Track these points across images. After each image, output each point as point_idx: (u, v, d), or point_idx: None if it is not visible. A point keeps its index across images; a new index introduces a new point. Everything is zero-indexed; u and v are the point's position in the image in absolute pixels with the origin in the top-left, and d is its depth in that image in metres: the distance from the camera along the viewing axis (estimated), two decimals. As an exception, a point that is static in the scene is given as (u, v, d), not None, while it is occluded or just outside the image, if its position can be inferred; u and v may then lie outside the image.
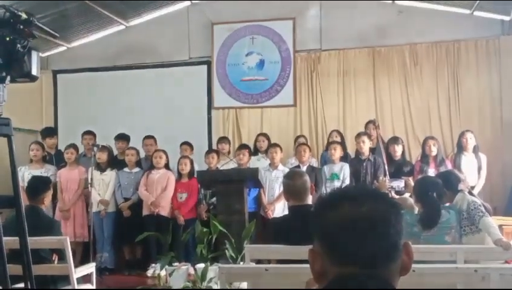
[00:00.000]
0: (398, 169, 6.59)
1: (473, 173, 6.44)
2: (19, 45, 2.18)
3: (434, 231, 3.78)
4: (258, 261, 3.58)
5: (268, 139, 7.66)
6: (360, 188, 1.25)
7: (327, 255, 1.15)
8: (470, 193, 4.26)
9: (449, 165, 6.63)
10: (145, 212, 6.85)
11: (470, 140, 6.64)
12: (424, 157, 6.66)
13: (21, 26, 2.17)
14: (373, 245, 1.11)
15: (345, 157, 6.96)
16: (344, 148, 7.15)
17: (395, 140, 6.90)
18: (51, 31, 2.44)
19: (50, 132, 7.95)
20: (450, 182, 4.28)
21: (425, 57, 8.13)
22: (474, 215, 4.01)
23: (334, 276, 1.13)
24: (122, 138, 7.65)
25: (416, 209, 4.00)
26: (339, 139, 7.30)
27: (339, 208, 1.15)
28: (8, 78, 2.27)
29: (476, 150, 6.67)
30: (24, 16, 2.17)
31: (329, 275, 1.15)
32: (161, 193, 6.86)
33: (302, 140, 7.52)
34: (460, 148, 6.70)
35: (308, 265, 1.22)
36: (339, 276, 1.13)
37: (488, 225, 3.92)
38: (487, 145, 7.38)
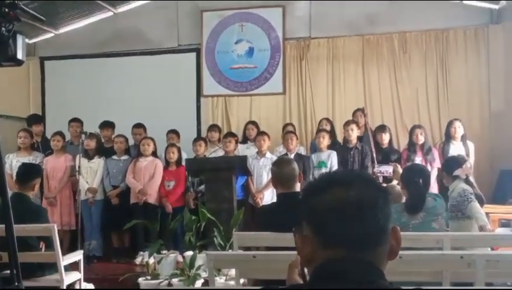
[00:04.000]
0: (385, 157, 6.62)
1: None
2: (3, 29, 2.15)
3: (421, 219, 3.81)
4: (247, 249, 3.58)
5: (257, 127, 7.66)
6: (348, 173, 1.26)
7: (316, 239, 1.16)
8: (467, 181, 4.29)
9: (436, 154, 6.67)
10: (132, 200, 6.82)
11: (459, 129, 6.67)
12: (411, 146, 6.70)
13: (6, 9, 2.13)
14: (361, 228, 1.12)
15: (334, 145, 6.97)
16: (333, 136, 7.17)
17: (382, 128, 6.93)
18: (37, 15, 2.41)
19: (36, 119, 7.88)
20: (448, 166, 4.47)
21: (414, 45, 8.14)
22: (462, 202, 4.09)
23: (322, 259, 1.14)
24: (107, 125, 7.59)
25: (404, 198, 4.04)
26: (328, 127, 7.31)
27: (327, 192, 1.16)
28: (-8, 61, 2.23)
29: (464, 138, 6.71)
30: (8, -1, 2.14)
31: (318, 259, 1.15)
32: (149, 180, 6.84)
33: (289, 128, 7.53)
34: (449, 136, 6.73)
35: (295, 252, 1.22)
36: (327, 259, 1.13)
37: (475, 210, 4.02)
38: (475, 133, 7.44)
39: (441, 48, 8.06)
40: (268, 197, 6.58)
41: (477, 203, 4.08)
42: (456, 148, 6.62)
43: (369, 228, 1.13)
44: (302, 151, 7.31)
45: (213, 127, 7.75)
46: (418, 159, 6.51)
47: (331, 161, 6.65)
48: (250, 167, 6.55)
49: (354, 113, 7.39)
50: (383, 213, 1.15)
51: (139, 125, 7.62)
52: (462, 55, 8.00)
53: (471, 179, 4.33)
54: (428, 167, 6.29)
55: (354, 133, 6.76)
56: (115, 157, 7.16)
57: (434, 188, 6.20)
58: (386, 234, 1.16)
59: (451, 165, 4.42)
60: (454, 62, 8.02)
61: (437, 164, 6.60)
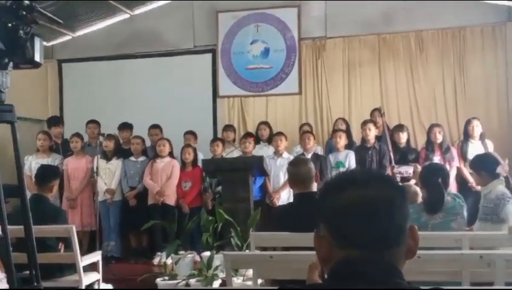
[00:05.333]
0: (403, 157, 6.60)
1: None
2: (21, 31, 2.17)
3: (441, 218, 3.77)
4: (264, 249, 3.58)
5: (269, 127, 7.67)
6: (365, 172, 1.25)
7: (333, 238, 1.16)
8: (507, 183, 4.18)
9: (455, 153, 6.61)
10: (150, 201, 6.87)
11: (477, 127, 6.61)
12: (429, 145, 6.66)
13: (23, 13, 2.15)
14: (378, 228, 1.12)
15: (350, 146, 6.95)
16: (349, 136, 7.14)
17: (399, 127, 6.90)
18: (55, 17, 2.42)
19: (56, 121, 7.96)
20: (487, 163, 4.23)
21: (431, 44, 8.07)
22: (498, 205, 3.95)
23: (339, 259, 1.13)
24: (126, 127, 7.65)
25: (420, 197, 4.00)
26: (344, 127, 7.29)
27: (344, 191, 1.16)
28: (11, 64, 2.26)
29: (482, 137, 6.64)
30: (27, 2, 2.16)
31: (335, 259, 1.15)
32: (166, 181, 6.88)
33: (306, 128, 7.51)
34: (467, 135, 6.68)
35: (313, 252, 1.22)
36: (344, 259, 1.13)
37: (509, 212, 3.88)
38: (493, 132, 7.34)
39: (458, 46, 7.98)
40: (285, 197, 6.58)
41: None
42: (474, 147, 6.56)
43: (387, 228, 1.13)
44: (320, 151, 7.29)
45: (228, 127, 7.78)
46: (437, 158, 6.47)
47: (349, 161, 6.64)
48: (267, 167, 6.55)
49: (371, 113, 7.37)
50: (401, 212, 1.15)
51: (155, 126, 7.66)
52: (480, 53, 7.91)
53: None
54: (447, 166, 6.25)
55: (372, 132, 6.73)
56: (132, 158, 7.21)
57: (453, 187, 6.16)
58: (404, 233, 1.16)
59: (489, 162, 4.23)
60: (471, 60, 7.93)
61: (456, 163, 6.55)
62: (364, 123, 6.82)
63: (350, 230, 1.13)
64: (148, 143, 7.56)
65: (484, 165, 4.23)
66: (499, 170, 4.19)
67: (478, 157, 4.53)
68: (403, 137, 6.77)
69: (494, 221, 4.03)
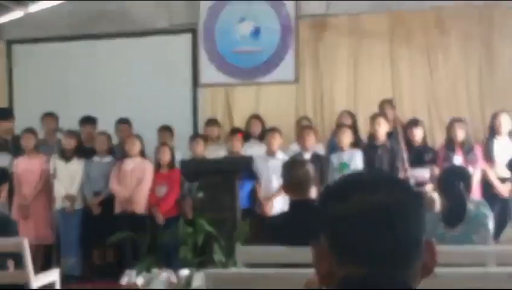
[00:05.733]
0: (417, 157, 6.64)
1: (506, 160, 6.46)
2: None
3: (461, 230, 3.80)
4: (253, 266, 3.59)
5: (262, 122, 7.68)
6: (375, 174, 1.26)
7: (335, 253, 1.16)
8: None
9: (478, 153, 6.66)
10: (118, 209, 6.87)
11: (504, 122, 6.67)
12: (449, 143, 6.71)
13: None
14: (389, 242, 1.13)
15: (356, 144, 6.97)
16: (356, 132, 7.17)
17: (414, 123, 6.94)
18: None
19: (5, 114, 7.92)
20: None
21: (453, 24, 8.09)
22: None
23: (343, 277, 1.14)
24: (88, 121, 7.64)
25: (437, 205, 4.03)
26: (349, 121, 7.31)
27: (349, 198, 1.16)
28: None
29: (511, 134, 6.69)
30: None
31: (337, 276, 1.16)
32: (136, 186, 6.89)
33: (305, 122, 7.54)
34: (493, 131, 6.74)
35: (311, 269, 1.23)
36: (349, 277, 1.14)
37: None
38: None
39: (485, 27, 8.01)
40: (279, 205, 6.57)
41: None
42: (501, 146, 6.62)
43: (399, 241, 1.13)
44: (320, 150, 7.30)
45: (211, 122, 7.80)
46: (458, 159, 6.51)
47: (355, 162, 6.66)
48: (257, 170, 6.56)
49: (380, 105, 7.39)
50: (416, 223, 1.16)
51: (123, 121, 7.67)
52: (510, 35, 7.96)
53: None
54: (470, 169, 6.29)
55: (382, 128, 6.77)
56: (96, 158, 7.20)
57: (476, 193, 6.20)
58: (419, 247, 1.16)
59: None
60: (500, 43, 7.97)
61: (480, 164, 6.59)
62: (374, 117, 6.85)
63: (355, 243, 1.13)
64: (115, 140, 7.55)
65: None
66: None
67: None
68: (418, 134, 6.81)
69: None
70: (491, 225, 3.96)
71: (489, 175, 6.67)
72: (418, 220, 1.16)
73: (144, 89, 8.59)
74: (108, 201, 7.02)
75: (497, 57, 7.97)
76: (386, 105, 7.33)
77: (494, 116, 6.80)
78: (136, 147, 6.97)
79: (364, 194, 1.15)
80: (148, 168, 6.98)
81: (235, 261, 3.92)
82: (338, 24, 8.42)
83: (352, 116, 7.55)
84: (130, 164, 6.95)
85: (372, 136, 6.94)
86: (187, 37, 8.80)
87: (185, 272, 5.05)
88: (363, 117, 7.70)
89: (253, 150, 7.17)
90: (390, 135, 6.99)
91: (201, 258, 5.25)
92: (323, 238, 1.19)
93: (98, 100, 8.49)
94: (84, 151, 7.30)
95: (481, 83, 7.99)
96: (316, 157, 6.60)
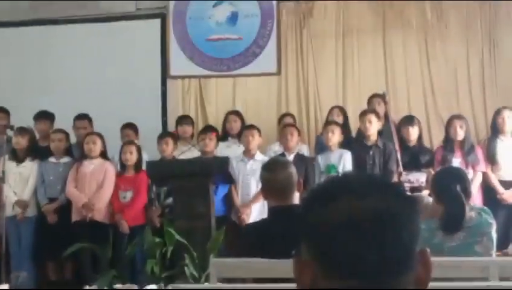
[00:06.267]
0: (413, 159, 6.69)
1: (511, 163, 6.53)
2: None
3: (461, 240, 3.82)
4: (229, 281, 3.59)
5: (241, 119, 7.68)
6: (363, 177, 1.27)
7: (319, 265, 1.17)
8: None
9: (480, 154, 6.72)
10: (75, 217, 6.83)
11: (508, 120, 6.74)
12: (448, 143, 6.76)
13: None
14: (379, 252, 1.13)
15: (348, 144, 7.00)
16: (347, 131, 7.20)
17: (409, 120, 6.98)
18: None
19: None
20: None
21: (452, 11, 8.17)
22: None
23: (327, 293, 1.14)
24: (43, 117, 7.58)
25: (433, 211, 4.05)
26: (341, 119, 7.35)
27: (336, 203, 1.17)
28: None
29: (516, 133, 6.78)
30: None
31: (322, 291, 1.16)
32: (97, 190, 6.85)
33: (288, 120, 7.55)
34: (496, 130, 6.81)
35: (293, 284, 1.22)
36: (334, 293, 1.14)
37: None
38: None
39: (487, 15, 8.10)
40: (258, 212, 6.59)
41: None
42: (505, 146, 6.68)
43: (390, 251, 1.14)
44: (305, 150, 7.33)
45: (184, 119, 7.78)
46: (457, 161, 6.56)
47: (344, 164, 6.69)
48: (234, 173, 6.54)
49: (369, 100, 7.42)
50: (409, 231, 1.16)
51: (82, 117, 7.62)
52: (515, 24, 8.07)
53: None
54: (470, 171, 6.35)
55: (374, 126, 6.79)
56: (52, 159, 7.16)
57: (477, 199, 6.26)
58: (412, 258, 1.17)
59: None
60: (504, 33, 8.06)
61: (481, 167, 6.65)
62: (364, 113, 6.86)
63: (341, 254, 1.13)
64: (73, 139, 7.51)
65: None
66: None
67: None
68: (413, 133, 6.85)
69: None
70: (494, 234, 3.99)
71: (491, 179, 6.74)
72: (411, 228, 1.17)
73: (106, 82, 8.55)
74: (66, 208, 6.96)
75: (500, 48, 8.06)
76: (377, 100, 7.36)
77: (497, 113, 6.88)
78: (97, 147, 6.93)
79: (351, 199, 1.16)
80: (110, 170, 6.94)
81: (209, 275, 3.91)
82: (325, 9, 8.45)
83: (344, 112, 7.58)
84: (89, 166, 6.91)
85: (362, 135, 6.96)
86: (155, 23, 8.78)
87: (151, 287, 5.04)
88: (352, 113, 7.72)
89: (231, 150, 7.18)
90: (380, 133, 7.02)
91: (171, 272, 5.24)
92: (306, 247, 1.19)
93: (54, 94, 8.43)
94: (38, 151, 7.25)
95: (483, 76, 8.07)
96: (299, 158, 6.62)
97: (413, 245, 1.17)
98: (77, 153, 7.25)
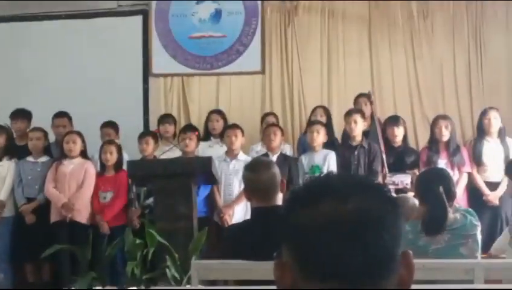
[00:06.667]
0: (398, 159, 6.72)
1: (497, 164, 6.58)
2: None
3: (446, 241, 3.85)
4: (211, 283, 3.59)
5: (224, 118, 7.68)
6: (345, 178, 1.26)
7: (299, 267, 1.17)
8: None
9: (465, 155, 6.75)
10: (54, 217, 6.79)
11: (494, 120, 6.78)
12: (433, 144, 6.80)
13: None
14: (361, 255, 1.13)
15: (331, 144, 7.01)
16: (330, 131, 7.22)
17: (394, 120, 7.01)
18: None
19: None
20: None
21: (438, 11, 8.22)
22: None
23: (308, 295, 1.14)
24: (21, 115, 7.55)
25: (417, 213, 4.07)
26: (324, 119, 7.36)
27: (317, 205, 1.17)
28: None
29: (502, 134, 6.82)
30: None
31: (302, 293, 1.16)
32: (76, 191, 6.83)
33: (271, 119, 7.56)
34: (482, 131, 6.85)
35: (275, 286, 1.22)
36: (314, 295, 1.14)
37: None
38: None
39: (474, 13, 8.15)
40: (241, 213, 6.59)
41: None
42: (491, 148, 6.72)
43: (372, 254, 1.14)
44: (288, 150, 7.34)
45: (166, 118, 7.76)
46: (442, 162, 6.59)
47: (328, 165, 6.70)
48: (216, 173, 6.54)
49: (356, 100, 7.44)
50: (391, 234, 1.17)
51: (62, 115, 7.58)
52: (503, 22, 8.11)
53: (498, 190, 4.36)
54: (455, 172, 6.39)
55: (359, 126, 6.81)
56: (30, 158, 7.13)
57: (462, 200, 6.30)
58: (395, 261, 1.17)
59: None
60: (491, 33, 8.11)
61: (467, 168, 6.69)
62: (349, 114, 6.87)
63: (323, 256, 1.14)
64: (52, 138, 7.48)
65: None
66: None
67: None
68: (398, 133, 6.88)
69: None
70: (479, 236, 4.01)
71: (477, 180, 6.78)
72: (393, 231, 1.17)
73: (86, 79, 8.52)
74: (44, 208, 6.93)
75: (487, 47, 8.10)
76: (364, 100, 7.38)
77: (483, 114, 6.91)
78: (77, 146, 6.89)
79: (333, 201, 1.16)
80: (90, 170, 6.91)
81: (191, 278, 3.90)
82: (310, 7, 8.46)
83: (327, 112, 7.60)
84: (69, 166, 6.88)
85: (347, 136, 6.98)
86: (137, 20, 8.75)
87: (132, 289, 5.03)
88: (337, 113, 7.75)
89: (213, 150, 7.17)
90: (367, 133, 7.04)
91: (152, 274, 5.21)
92: (286, 249, 1.19)
93: (32, 91, 8.40)
94: (15, 150, 7.22)
95: (470, 75, 8.12)
96: (284, 159, 6.63)
97: (395, 247, 1.17)
98: (56, 152, 7.22)
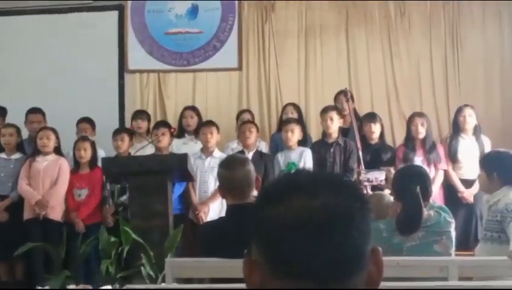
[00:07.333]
0: (375, 156, 6.74)
1: (472, 161, 6.63)
2: None
3: (420, 239, 3.86)
4: (187, 281, 3.58)
5: (198, 114, 7.67)
6: (315, 175, 1.26)
7: (268, 265, 1.16)
8: None
9: (442, 152, 6.80)
10: (28, 215, 6.75)
11: (470, 118, 6.83)
12: (409, 141, 6.84)
13: None
14: (330, 252, 1.13)
15: (304, 141, 7.04)
16: (304, 128, 7.23)
17: (370, 117, 7.04)
18: None
19: None
20: (505, 164, 4.40)
21: (415, 9, 8.26)
22: (506, 218, 4.14)
23: (277, 293, 1.14)
24: (-6, 111, 7.49)
25: (393, 211, 4.09)
26: (295, 115, 7.38)
27: (285, 202, 1.17)
28: None
29: (477, 131, 6.88)
30: None
31: (271, 292, 1.16)
32: (50, 188, 6.79)
33: (247, 116, 7.57)
34: (457, 128, 6.90)
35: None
36: (283, 293, 1.14)
37: None
38: (494, 125, 7.64)
39: (451, 12, 8.21)
40: (216, 210, 6.59)
41: None
42: (466, 145, 6.77)
43: (341, 251, 1.14)
44: (264, 148, 7.35)
45: (140, 114, 7.73)
46: (418, 159, 6.64)
47: (304, 162, 6.71)
48: (191, 170, 6.53)
49: (335, 98, 7.47)
50: (360, 230, 1.17)
51: (36, 111, 7.53)
52: (479, 21, 8.18)
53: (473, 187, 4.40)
54: (432, 169, 6.43)
55: (335, 123, 6.83)
56: (2, 155, 7.09)
57: (439, 198, 6.34)
58: (364, 257, 1.17)
59: (508, 164, 4.41)
60: (468, 30, 8.18)
61: (443, 165, 6.74)
62: (325, 111, 6.90)
63: (291, 254, 1.13)
64: (25, 134, 7.43)
65: (501, 166, 4.41)
66: None
67: (495, 155, 4.71)
68: (375, 130, 6.90)
69: (501, 241, 4.18)
70: (453, 233, 4.04)
71: (452, 177, 6.84)
72: (362, 228, 1.17)
73: (61, 75, 8.47)
74: (17, 205, 6.89)
75: (463, 45, 8.17)
76: (340, 97, 7.39)
77: (458, 111, 6.95)
78: (51, 142, 6.86)
79: (302, 197, 1.16)
80: (64, 167, 6.88)
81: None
82: (287, 5, 8.47)
83: (298, 109, 7.63)
84: (43, 162, 6.84)
85: (324, 133, 7.01)
86: (113, 15, 8.71)
87: (107, 288, 5.01)
88: (314, 111, 7.77)
89: (188, 147, 7.17)
90: (345, 131, 7.06)
91: (127, 272, 5.20)
92: (256, 247, 1.19)
93: (5, 87, 8.35)
94: (-12, 146, 7.16)
95: (446, 73, 8.17)
96: (259, 156, 6.64)
97: (364, 244, 1.17)
98: (29, 149, 7.17)
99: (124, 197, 6.55)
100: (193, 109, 7.77)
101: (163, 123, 7.29)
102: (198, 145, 7.15)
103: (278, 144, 7.18)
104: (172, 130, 7.11)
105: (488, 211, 4.38)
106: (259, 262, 1.18)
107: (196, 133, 7.38)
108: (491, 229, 4.26)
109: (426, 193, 3.98)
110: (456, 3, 8.17)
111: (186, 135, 7.58)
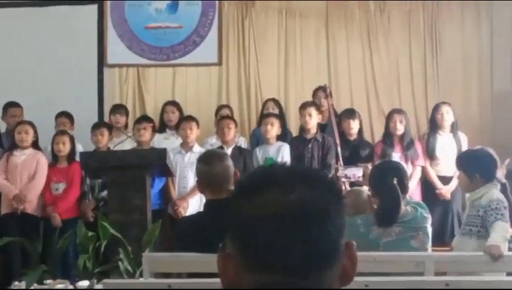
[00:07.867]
0: (353, 152, 6.78)
1: (449, 158, 6.67)
2: None
3: (396, 234, 3.89)
4: (165, 276, 3.58)
5: (180, 110, 7.66)
6: (289, 169, 1.26)
7: (242, 258, 1.17)
8: (504, 189, 4.40)
9: (419, 149, 6.85)
10: (5, 209, 6.73)
11: (447, 115, 6.88)
12: (388, 137, 6.88)
13: None
14: (304, 246, 1.14)
15: (284, 136, 7.05)
16: (283, 123, 7.24)
17: (349, 113, 7.07)
18: None
19: None
20: (485, 164, 4.46)
21: (395, 6, 8.30)
22: (489, 216, 4.16)
23: (250, 286, 1.15)
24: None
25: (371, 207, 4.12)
26: (276, 111, 7.39)
27: (259, 196, 1.17)
28: None
29: (454, 128, 6.93)
30: None
31: (245, 286, 1.16)
32: (28, 182, 6.76)
33: (226, 112, 7.57)
34: (435, 125, 6.95)
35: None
36: (257, 286, 1.14)
37: (496, 228, 4.05)
38: (472, 122, 7.71)
39: (430, 9, 8.25)
40: (195, 205, 6.59)
41: (507, 225, 4.14)
42: (443, 142, 6.82)
43: (315, 245, 1.15)
44: (243, 143, 7.36)
45: (118, 109, 7.70)
46: (397, 156, 6.67)
47: (282, 157, 6.72)
48: (171, 165, 6.52)
49: (314, 93, 7.49)
50: (334, 224, 1.18)
51: (13, 105, 7.49)
52: (458, 19, 8.23)
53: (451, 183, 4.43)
54: (409, 166, 6.48)
55: (313, 119, 6.84)
56: (-21, 149, 7.01)
57: (416, 194, 6.39)
58: (338, 251, 1.18)
59: (488, 163, 4.46)
60: (447, 28, 8.22)
61: (420, 162, 6.78)
62: (304, 107, 6.91)
63: (265, 248, 1.14)
64: (3, 128, 7.39)
65: (481, 166, 4.45)
66: (498, 174, 4.41)
67: (473, 155, 4.74)
68: (353, 126, 6.93)
69: (480, 236, 4.22)
70: (430, 228, 4.08)
71: (430, 174, 6.88)
72: (337, 222, 1.18)
73: (39, 69, 8.39)
74: (-5, 200, 6.84)
75: (442, 42, 8.23)
76: (319, 93, 7.42)
77: (436, 108, 7.00)
78: (29, 136, 6.82)
79: (277, 191, 1.16)
80: (42, 161, 6.84)
81: (144, 271, 3.89)
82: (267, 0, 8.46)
83: (279, 105, 7.65)
84: (20, 156, 6.80)
85: (302, 128, 7.03)
86: (92, 9, 8.64)
87: (84, 283, 4.99)
88: (294, 106, 7.78)
89: (169, 142, 7.16)
90: (324, 127, 7.09)
91: (104, 267, 5.18)
92: (230, 241, 1.20)
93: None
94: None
95: (425, 70, 8.23)
96: (238, 151, 6.65)
97: (339, 238, 1.18)
98: (7, 143, 7.12)
99: (105, 192, 6.52)
100: (174, 104, 7.76)
101: (146, 118, 7.27)
102: (179, 140, 7.14)
103: (259, 139, 7.18)
104: (152, 125, 7.10)
105: (470, 207, 4.42)
106: (233, 256, 1.18)
107: (177, 128, 7.35)
108: (472, 224, 4.30)
109: (403, 186, 4.02)
110: (435, 3, 8.22)
111: (167, 130, 7.56)
